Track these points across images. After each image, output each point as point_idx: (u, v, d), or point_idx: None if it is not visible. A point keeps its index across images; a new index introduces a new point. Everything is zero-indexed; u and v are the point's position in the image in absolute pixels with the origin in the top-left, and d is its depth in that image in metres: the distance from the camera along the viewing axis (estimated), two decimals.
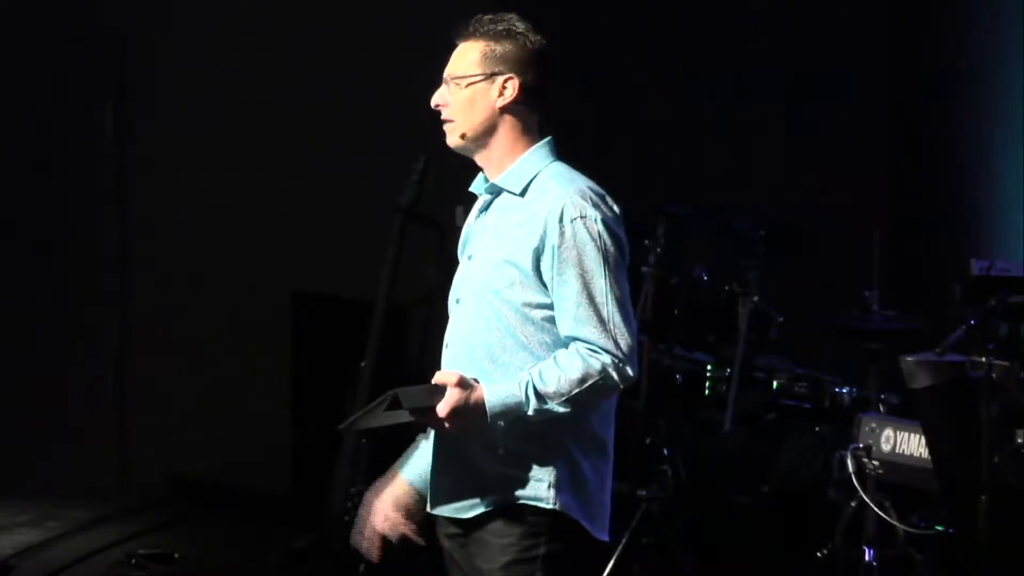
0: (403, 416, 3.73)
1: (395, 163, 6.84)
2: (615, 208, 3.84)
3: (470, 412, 3.70)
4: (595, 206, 3.78)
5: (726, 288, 6.53)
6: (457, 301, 3.93)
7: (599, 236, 3.77)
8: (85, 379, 8.52)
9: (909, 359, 5.05)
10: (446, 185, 6.64)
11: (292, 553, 6.84)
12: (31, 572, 6.97)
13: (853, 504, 5.89)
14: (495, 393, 3.71)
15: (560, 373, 3.71)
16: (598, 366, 3.72)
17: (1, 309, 8.60)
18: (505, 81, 3.86)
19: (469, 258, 3.94)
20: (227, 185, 8.21)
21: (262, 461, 7.95)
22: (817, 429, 6.44)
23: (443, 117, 3.91)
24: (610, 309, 3.75)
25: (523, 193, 3.86)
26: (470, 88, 3.87)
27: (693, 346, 6.65)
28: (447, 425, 3.70)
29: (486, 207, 3.95)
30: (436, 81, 3.98)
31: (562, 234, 3.76)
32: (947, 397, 4.88)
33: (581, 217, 3.77)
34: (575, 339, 3.75)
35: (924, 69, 7.53)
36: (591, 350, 3.73)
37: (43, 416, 8.51)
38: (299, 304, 7.92)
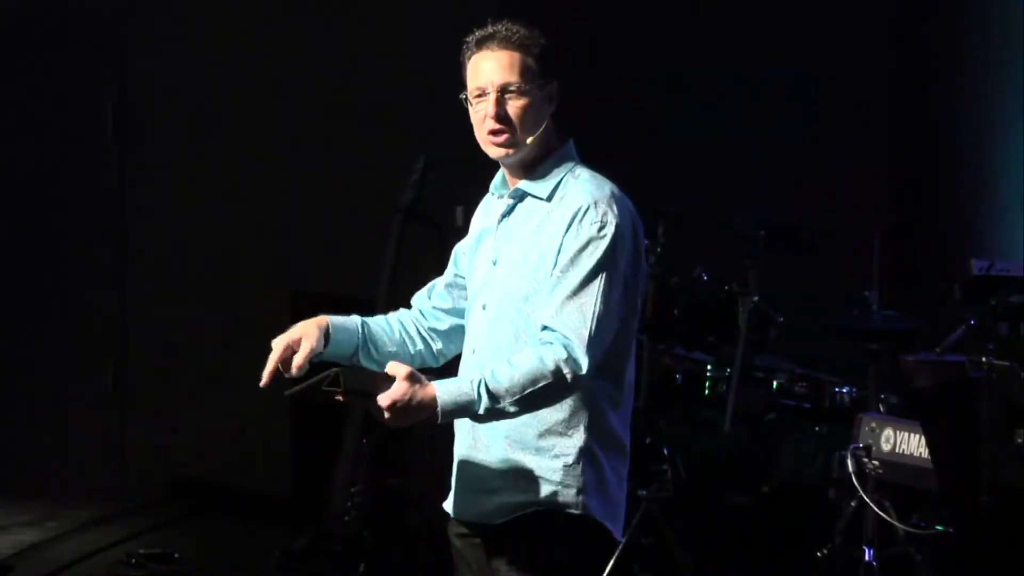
0: (341, 394, 3.69)
1: (395, 163, 6.85)
2: (636, 216, 3.86)
3: (415, 408, 3.66)
4: (617, 214, 3.81)
5: (726, 288, 6.53)
6: (484, 307, 3.92)
7: (613, 245, 3.79)
8: (85, 379, 8.52)
9: (909, 359, 5.05)
10: (446, 185, 6.66)
11: (292, 553, 6.85)
12: (31, 572, 6.97)
13: (853, 504, 5.89)
14: (447, 391, 3.68)
15: (512, 372, 3.70)
16: (551, 366, 3.70)
17: (1, 309, 8.60)
18: (554, 85, 3.90)
19: (494, 263, 3.93)
20: (227, 185, 8.20)
21: (262, 461, 7.95)
22: (817, 429, 6.44)
23: (498, 127, 3.85)
24: (597, 312, 3.76)
25: (550, 198, 3.88)
26: (528, 96, 3.86)
27: (693, 346, 6.65)
28: (387, 416, 3.67)
29: (509, 211, 3.94)
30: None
31: (578, 235, 3.78)
32: (947, 397, 4.88)
33: (600, 223, 3.79)
34: (549, 329, 3.73)
35: (924, 69, 7.53)
36: (549, 348, 3.71)
37: (43, 416, 8.52)
38: (299, 304, 7.91)
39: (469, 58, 3.90)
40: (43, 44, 8.51)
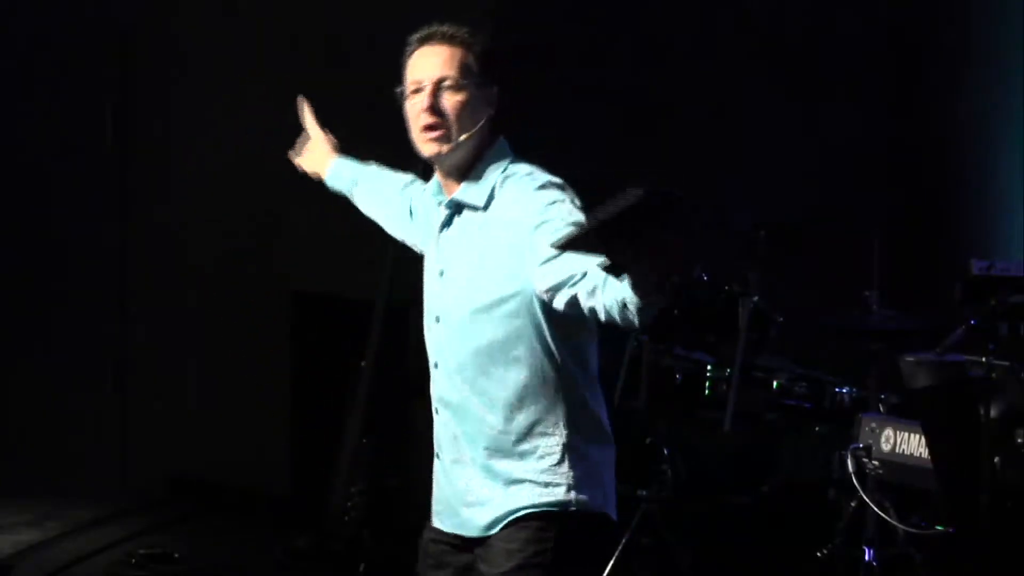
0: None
1: (395, 163, 6.84)
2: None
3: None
4: (563, 192, 3.73)
5: (726, 288, 6.53)
6: (437, 319, 3.87)
7: (573, 211, 3.68)
8: (85, 379, 8.52)
9: (909, 359, 5.04)
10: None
11: (292, 553, 6.85)
12: (31, 572, 6.98)
13: (853, 504, 5.89)
14: None
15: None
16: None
17: (1, 309, 8.60)
18: (494, 90, 3.82)
19: (440, 274, 3.87)
20: (227, 185, 8.21)
21: (262, 461, 7.96)
22: (817, 429, 6.44)
23: (432, 123, 3.80)
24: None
25: (487, 206, 3.80)
26: (465, 92, 3.79)
27: (693, 346, 6.65)
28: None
29: (448, 221, 3.87)
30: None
31: (542, 214, 3.66)
32: (947, 397, 4.88)
33: (552, 200, 3.70)
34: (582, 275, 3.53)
35: (924, 69, 7.53)
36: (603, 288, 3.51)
37: (43, 416, 8.52)
38: (299, 304, 7.92)
39: (410, 54, 3.87)
40: (43, 44, 8.51)
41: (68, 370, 8.55)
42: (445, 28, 3.83)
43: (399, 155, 6.89)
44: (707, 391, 6.57)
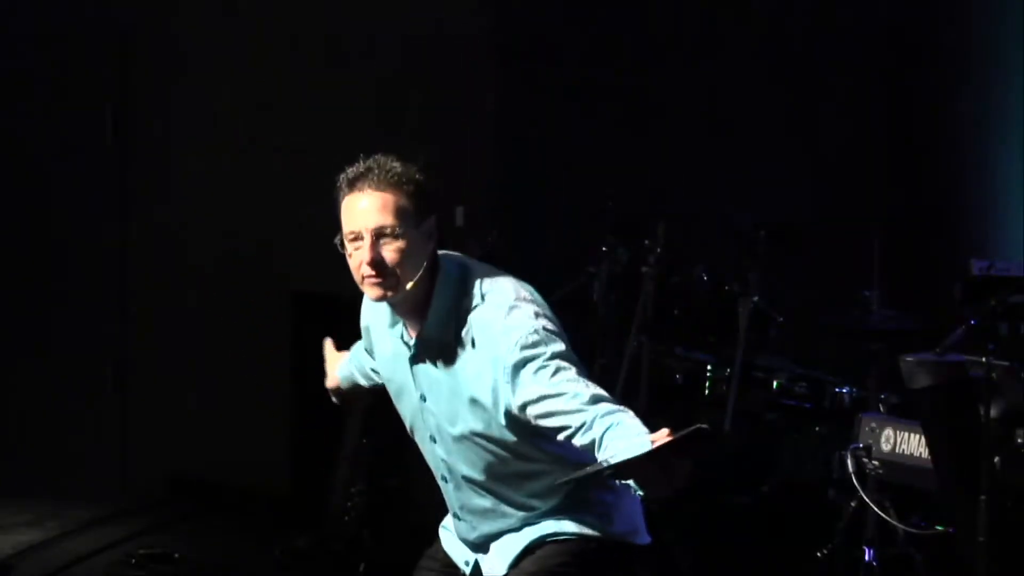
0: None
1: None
2: (541, 299, 3.78)
3: None
4: (533, 316, 3.70)
5: (726, 288, 6.53)
6: (432, 439, 3.88)
7: (548, 339, 3.67)
8: (85, 379, 8.52)
9: (909, 359, 5.04)
10: (446, 185, 6.66)
11: (292, 553, 6.85)
12: (31, 572, 6.97)
13: (853, 504, 5.89)
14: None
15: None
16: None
17: (1, 309, 8.60)
18: (431, 221, 3.78)
19: (423, 398, 3.86)
20: (227, 185, 8.20)
21: (262, 461, 7.95)
22: (817, 429, 6.44)
23: (374, 273, 3.75)
24: (583, 377, 3.68)
25: (455, 341, 3.76)
26: (404, 238, 3.74)
27: (693, 346, 6.65)
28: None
29: (417, 355, 3.83)
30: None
31: (521, 353, 3.65)
32: (947, 397, 4.87)
33: (532, 332, 3.67)
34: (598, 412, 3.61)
35: (924, 69, 7.53)
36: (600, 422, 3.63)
37: (43, 416, 8.52)
38: (299, 304, 7.92)
39: (343, 198, 3.84)
40: (43, 44, 8.51)
41: (68, 370, 8.55)
42: (375, 169, 3.78)
43: (401, 154, 6.89)
44: (707, 391, 6.57)
